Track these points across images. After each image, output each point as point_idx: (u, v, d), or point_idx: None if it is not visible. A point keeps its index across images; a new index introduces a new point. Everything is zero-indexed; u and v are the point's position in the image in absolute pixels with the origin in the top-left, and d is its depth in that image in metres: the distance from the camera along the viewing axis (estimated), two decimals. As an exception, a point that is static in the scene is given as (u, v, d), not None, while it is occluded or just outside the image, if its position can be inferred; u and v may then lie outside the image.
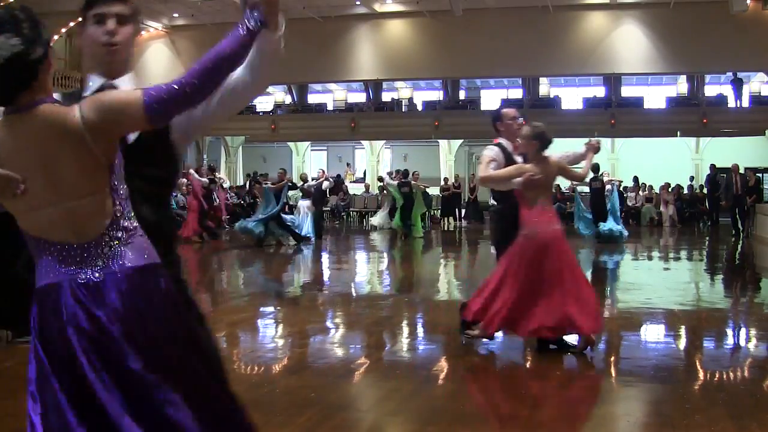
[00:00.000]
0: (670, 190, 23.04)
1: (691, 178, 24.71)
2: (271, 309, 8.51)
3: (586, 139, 6.41)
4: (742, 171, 19.31)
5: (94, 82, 2.39)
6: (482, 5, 20.80)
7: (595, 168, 15.95)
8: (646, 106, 25.20)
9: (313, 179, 17.79)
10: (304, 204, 16.97)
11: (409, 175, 18.66)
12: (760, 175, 20.97)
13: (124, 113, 2.00)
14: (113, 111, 2.00)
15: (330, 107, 29.59)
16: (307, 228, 16.68)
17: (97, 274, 2.03)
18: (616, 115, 24.48)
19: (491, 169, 5.70)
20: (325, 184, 18.03)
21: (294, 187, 16.99)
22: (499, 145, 5.97)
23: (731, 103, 24.91)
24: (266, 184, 16.49)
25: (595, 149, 6.18)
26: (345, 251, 16.15)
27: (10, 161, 1.99)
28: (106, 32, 2.29)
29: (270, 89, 32.04)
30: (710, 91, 26.13)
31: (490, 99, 28.43)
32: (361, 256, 15.33)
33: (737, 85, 24.69)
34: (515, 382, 5.16)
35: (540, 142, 5.65)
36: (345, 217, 24.65)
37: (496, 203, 6.30)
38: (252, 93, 2.37)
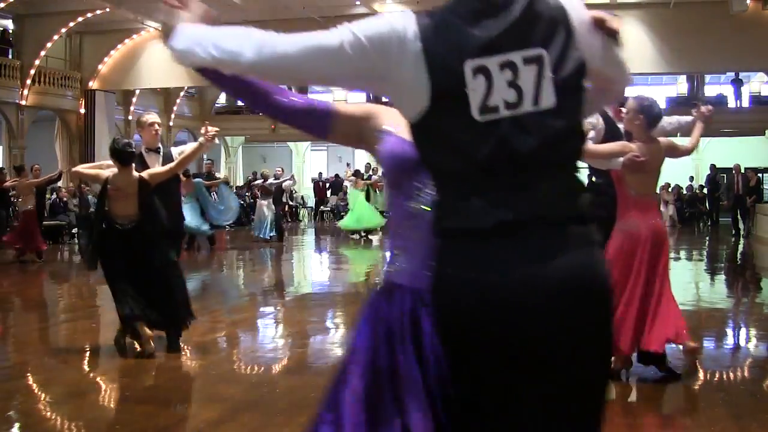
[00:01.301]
0: (670, 190, 23.03)
1: (691, 178, 24.68)
2: (271, 309, 8.51)
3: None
4: (742, 171, 19.32)
5: None
6: (482, 5, 20.81)
7: None
8: (646, 106, 25.14)
9: (274, 177, 17.13)
10: (264, 203, 16.34)
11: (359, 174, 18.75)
12: (760, 175, 20.96)
13: None
14: None
15: (330, 107, 29.57)
16: (266, 229, 16.13)
17: None
18: (616, 115, 24.42)
19: (589, 142, 4.64)
20: (287, 183, 17.45)
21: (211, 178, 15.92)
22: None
23: (731, 103, 24.89)
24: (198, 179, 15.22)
25: (706, 118, 5.15)
26: (345, 251, 16.14)
27: None
28: None
29: (270, 89, 32.04)
30: (710, 91, 26.12)
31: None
32: (360, 256, 15.33)
33: (738, 85, 24.67)
34: (515, 382, 5.14)
35: (647, 118, 4.67)
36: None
37: (594, 178, 5.23)
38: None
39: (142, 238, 5.64)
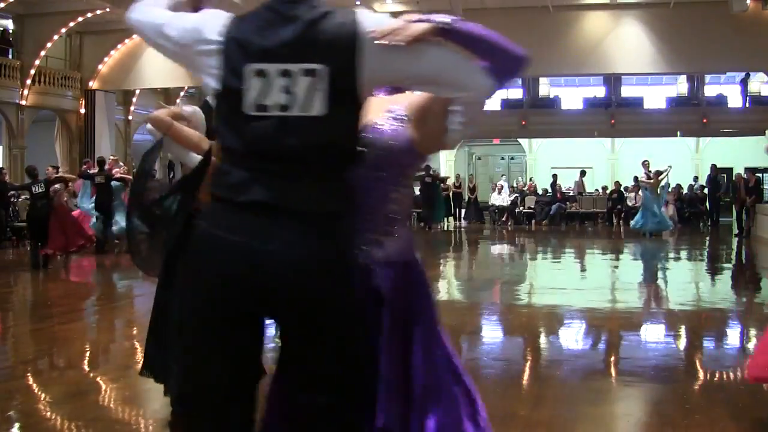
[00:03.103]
0: (669, 190, 23.02)
1: (695, 179, 24.68)
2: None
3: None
4: (743, 172, 19.33)
5: None
6: (482, 5, 20.76)
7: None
8: (646, 106, 25.16)
9: None
10: None
11: None
12: (759, 175, 20.97)
13: None
14: None
15: (330, 107, 29.54)
16: None
17: None
18: (616, 115, 24.43)
19: None
20: None
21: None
22: None
23: (733, 103, 24.87)
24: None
25: None
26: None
27: None
28: None
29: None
30: (710, 91, 26.09)
31: (490, 99, 28.35)
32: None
33: (745, 85, 24.63)
34: (515, 382, 5.16)
35: None
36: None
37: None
38: None
39: None
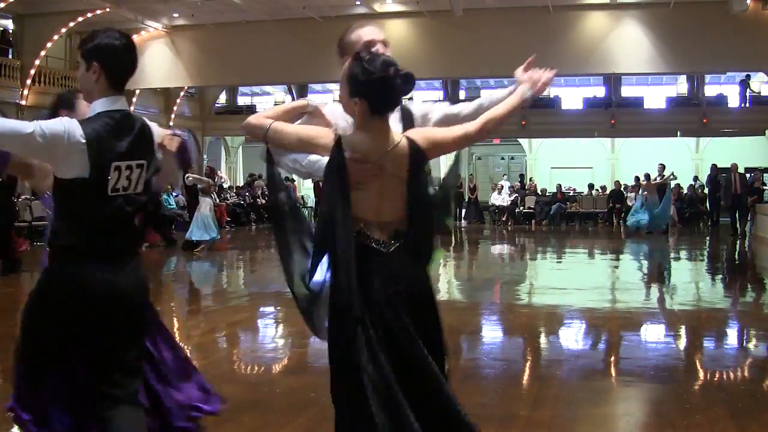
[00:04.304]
0: (670, 188, 23.03)
1: (695, 179, 24.67)
2: (271, 309, 8.51)
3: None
4: (741, 171, 19.31)
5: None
6: (482, 5, 20.75)
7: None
8: (646, 106, 25.16)
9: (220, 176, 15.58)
10: (208, 201, 14.25)
11: None
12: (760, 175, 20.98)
13: None
14: None
15: (330, 107, 29.57)
16: (214, 228, 14.29)
17: None
18: (616, 115, 24.41)
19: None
20: (189, 180, 14.48)
21: None
22: None
23: (733, 103, 24.87)
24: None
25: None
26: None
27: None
28: None
29: (270, 89, 32.07)
30: (710, 91, 26.09)
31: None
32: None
33: (745, 86, 24.64)
34: (515, 382, 5.16)
35: None
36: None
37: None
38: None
39: (417, 277, 2.64)
